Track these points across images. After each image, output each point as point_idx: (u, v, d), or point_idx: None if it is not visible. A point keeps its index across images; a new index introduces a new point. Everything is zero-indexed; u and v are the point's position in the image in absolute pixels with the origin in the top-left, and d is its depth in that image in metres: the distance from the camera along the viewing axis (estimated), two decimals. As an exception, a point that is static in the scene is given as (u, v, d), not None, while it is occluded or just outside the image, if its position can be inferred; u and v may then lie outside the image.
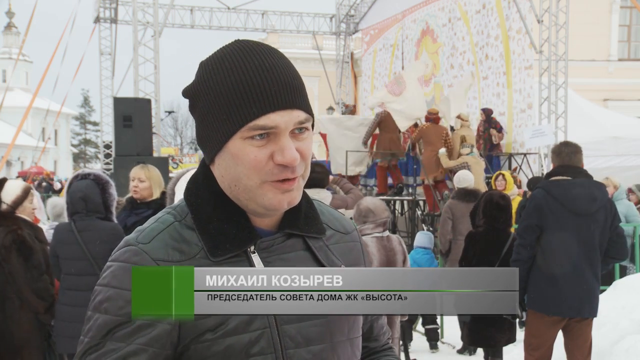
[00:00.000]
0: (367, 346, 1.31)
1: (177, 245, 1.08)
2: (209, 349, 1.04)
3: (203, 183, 1.15)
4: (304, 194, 1.22)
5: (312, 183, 4.92)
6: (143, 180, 4.46)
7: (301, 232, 1.16)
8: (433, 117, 10.20)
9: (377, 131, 11.12)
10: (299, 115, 1.06)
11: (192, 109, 1.13)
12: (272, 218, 1.15)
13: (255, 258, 1.10)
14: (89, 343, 1.04)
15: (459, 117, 10.56)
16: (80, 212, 3.96)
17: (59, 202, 4.95)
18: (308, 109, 1.09)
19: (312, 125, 1.13)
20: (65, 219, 4.83)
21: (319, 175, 4.97)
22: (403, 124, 10.62)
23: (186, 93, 1.13)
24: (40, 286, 4.01)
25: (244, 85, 1.04)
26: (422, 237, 6.61)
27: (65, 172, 47.71)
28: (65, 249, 3.98)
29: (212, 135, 1.09)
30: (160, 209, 4.37)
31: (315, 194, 4.82)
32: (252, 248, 1.11)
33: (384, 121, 10.80)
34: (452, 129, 10.90)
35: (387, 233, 4.37)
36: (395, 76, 11.91)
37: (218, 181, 1.13)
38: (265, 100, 1.04)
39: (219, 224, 1.10)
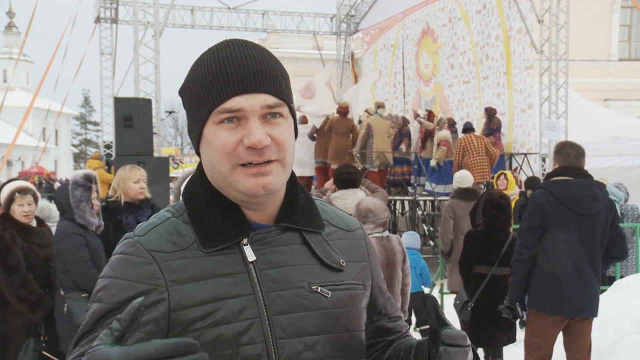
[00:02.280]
0: (385, 339, 1.32)
1: (171, 237, 1.11)
2: (199, 338, 1.05)
3: (199, 180, 1.18)
4: (303, 190, 1.23)
5: (347, 184, 5.00)
6: (145, 181, 4.51)
7: (297, 226, 1.17)
8: (342, 111, 11.54)
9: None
10: (266, 99, 1.09)
11: (183, 105, 1.18)
12: (267, 212, 1.16)
13: (248, 250, 1.11)
14: (82, 330, 1.07)
15: (366, 111, 12.19)
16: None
17: (44, 205, 4.94)
18: (280, 95, 1.11)
19: (293, 114, 1.16)
20: (51, 221, 4.83)
21: (353, 176, 5.05)
22: (315, 122, 12.30)
23: (179, 92, 1.18)
24: (16, 286, 3.99)
25: (214, 74, 1.09)
26: (409, 238, 6.64)
27: (65, 172, 47.67)
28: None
29: (193, 125, 1.14)
30: (154, 207, 4.39)
31: (352, 194, 4.89)
32: (245, 240, 1.12)
33: (320, 130, 12.21)
34: (360, 121, 12.38)
35: (387, 233, 4.38)
36: (305, 83, 13.53)
37: (205, 173, 1.16)
38: (231, 84, 1.07)
39: (212, 217, 1.13)
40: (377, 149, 11.36)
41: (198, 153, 1.16)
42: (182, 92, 1.16)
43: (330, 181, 5.55)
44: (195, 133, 1.13)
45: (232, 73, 1.07)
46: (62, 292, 4.03)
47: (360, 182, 5.23)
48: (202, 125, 1.11)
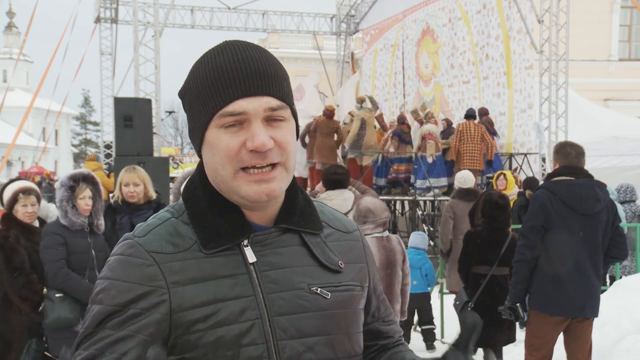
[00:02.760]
0: (377, 343, 1.32)
1: (171, 238, 1.10)
2: (200, 339, 1.05)
3: (199, 181, 1.18)
4: (302, 191, 1.23)
5: (334, 184, 5.00)
6: (138, 184, 4.44)
7: (296, 227, 1.17)
8: (328, 113, 12.07)
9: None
10: (269, 101, 1.08)
11: (183, 107, 1.17)
12: (267, 213, 1.16)
13: (248, 251, 1.11)
14: (83, 333, 1.06)
15: (350, 113, 12.73)
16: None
17: (42, 204, 4.95)
18: (282, 97, 1.10)
19: (295, 116, 1.15)
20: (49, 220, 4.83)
21: (341, 176, 5.04)
22: (302, 122, 12.69)
23: (178, 93, 1.17)
24: (20, 286, 3.99)
25: (216, 76, 1.08)
26: (416, 238, 6.64)
27: (65, 172, 47.56)
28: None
29: (195, 128, 1.13)
30: (160, 208, 4.39)
31: (339, 194, 4.88)
32: (246, 242, 1.12)
33: (309, 132, 12.35)
34: (344, 123, 12.95)
35: (386, 233, 4.38)
36: (297, 85, 14.02)
37: (207, 175, 1.15)
38: (234, 87, 1.06)
39: (213, 218, 1.12)
40: (367, 144, 11.82)
41: (200, 155, 1.15)
42: (183, 94, 1.15)
43: (321, 182, 5.53)
44: (197, 136, 1.12)
45: (234, 76, 1.07)
46: (44, 290, 4.04)
47: (348, 182, 5.21)
48: (204, 128, 1.10)
